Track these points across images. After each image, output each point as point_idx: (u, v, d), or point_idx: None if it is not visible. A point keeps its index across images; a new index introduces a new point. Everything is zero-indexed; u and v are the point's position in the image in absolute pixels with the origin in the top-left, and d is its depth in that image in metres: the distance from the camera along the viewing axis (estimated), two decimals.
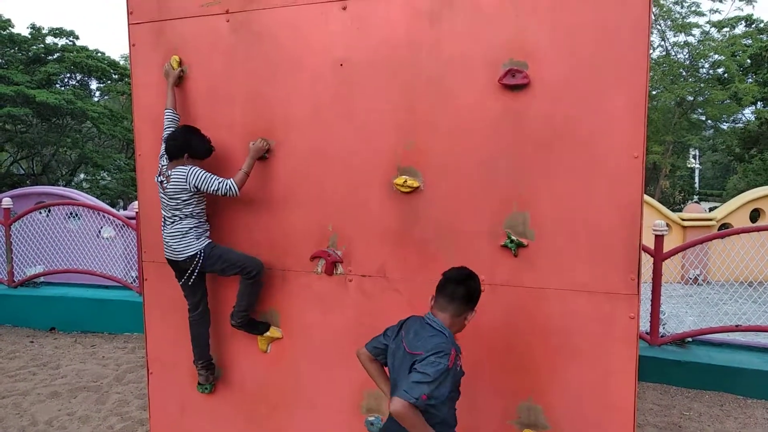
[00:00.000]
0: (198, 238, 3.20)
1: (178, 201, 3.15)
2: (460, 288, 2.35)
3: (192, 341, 3.38)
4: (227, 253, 3.25)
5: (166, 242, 3.23)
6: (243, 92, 3.26)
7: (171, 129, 3.28)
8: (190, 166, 3.15)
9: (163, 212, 3.25)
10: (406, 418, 2.10)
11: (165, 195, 3.20)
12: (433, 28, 2.90)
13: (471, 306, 2.38)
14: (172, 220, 3.21)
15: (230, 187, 3.10)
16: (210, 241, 3.25)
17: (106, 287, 7.36)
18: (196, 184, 3.11)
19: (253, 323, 3.32)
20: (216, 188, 3.10)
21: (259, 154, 3.20)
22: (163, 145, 3.24)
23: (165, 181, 3.18)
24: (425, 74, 2.93)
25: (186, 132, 3.23)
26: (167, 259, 3.28)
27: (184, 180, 3.11)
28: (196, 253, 3.18)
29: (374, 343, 2.52)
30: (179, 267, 3.26)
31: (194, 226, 3.20)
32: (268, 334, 3.33)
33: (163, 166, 3.24)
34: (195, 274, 3.22)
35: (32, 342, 6.45)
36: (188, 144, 3.20)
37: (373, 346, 2.52)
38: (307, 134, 3.19)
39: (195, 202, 3.19)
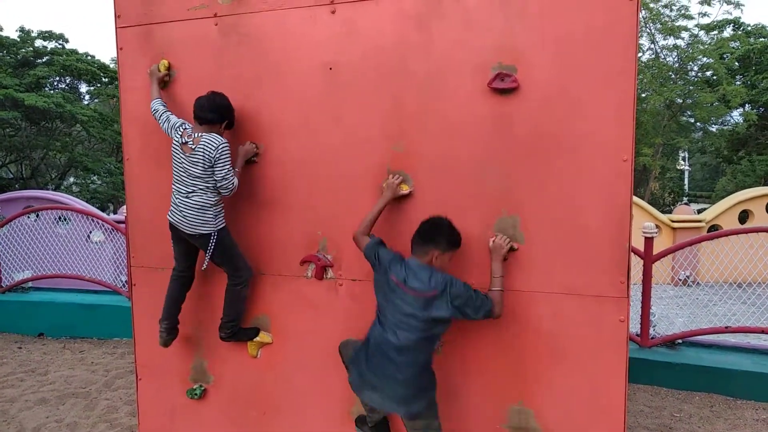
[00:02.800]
0: (215, 217, 3.09)
1: (202, 169, 3.00)
2: (416, 235, 2.74)
3: (165, 298, 3.30)
4: (233, 248, 3.18)
5: (181, 211, 3.06)
6: (231, 96, 3.23)
7: (165, 112, 3.18)
8: (224, 139, 3.03)
9: (178, 179, 3.08)
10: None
11: (187, 160, 3.02)
12: (422, 32, 2.90)
13: (431, 246, 2.68)
14: (191, 190, 3.03)
15: (233, 183, 3.05)
16: (225, 224, 3.15)
17: (96, 292, 7.29)
18: (217, 157, 2.97)
19: (242, 331, 3.30)
20: (224, 176, 3.00)
21: (247, 157, 3.19)
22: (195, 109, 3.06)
23: (191, 144, 3.01)
24: (414, 78, 2.93)
25: (226, 98, 3.09)
26: (172, 223, 3.12)
27: (214, 148, 2.97)
28: (211, 233, 3.08)
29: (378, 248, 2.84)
30: (182, 235, 3.14)
31: (215, 203, 3.07)
32: (257, 339, 3.31)
33: (187, 129, 3.08)
34: (211, 256, 3.10)
35: (20, 348, 6.38)
36: (229, 111, 3.09)
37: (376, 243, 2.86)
38: (296, 138, 3.17)
39: (212, 175, 3.04)
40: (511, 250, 2.81)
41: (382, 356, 2.65)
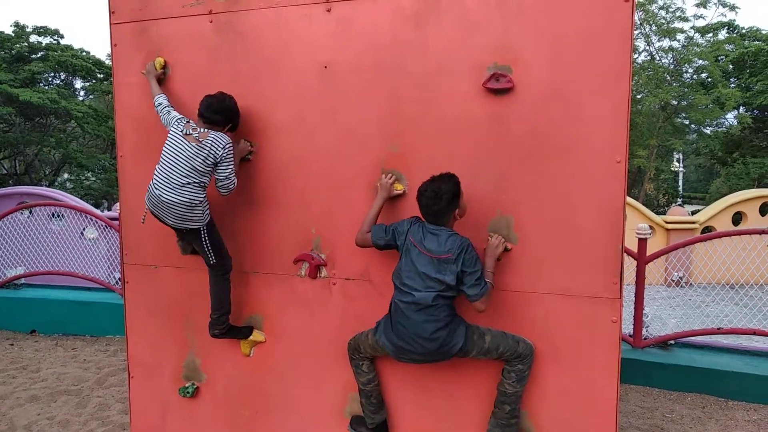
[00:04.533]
0: (203, 213, 3.04)
1: (203, 164, 2.95)
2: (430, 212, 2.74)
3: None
4: (220, 239, 3.15)
5: (168, 207, 2.91)
6: None
7: (168, 106, 3.15)
8: (229, 139, 3.02)
9: (173, 167, 2.94)
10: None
11: (191, 149, 2.94)
12: (419, 31, 2.90)
13: (451, 211, 2.73)
14: (185, 182, 2.92)
15: (234, 183, 3.04)
16: (210, 216, 3.10)
17: (89, 289, 7.27)
18: (224, 156, 2.96)
19: (235, 329, 3.28)
20: (227, 176, 3.00)
21: (242, 155, 3.18)
22: (203, 107, 3.03)
23: (197, 136, 2.97)
24: (410, 77, 2.93)
25: (234, 101, 3.07)
26: (152, 213, 3.02)
27: (221, 147, 2.96)
28: (200, 228, 3.04)
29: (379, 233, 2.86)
30: (166, 223, 3.05)
31: (203, 200, 3.02)
32: (251, 337, 3.30)
33: (190, 122, 3.05)
34: (208, 246, 3.07)
35: (12, 345, 6.35)
36: (236, 115, 3.09)
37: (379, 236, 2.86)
38: (290, 136, 3.17)
39: (209, 174, 3.02)
40: (505, 250, 2.81)
41: (404, 318, 2.69)
